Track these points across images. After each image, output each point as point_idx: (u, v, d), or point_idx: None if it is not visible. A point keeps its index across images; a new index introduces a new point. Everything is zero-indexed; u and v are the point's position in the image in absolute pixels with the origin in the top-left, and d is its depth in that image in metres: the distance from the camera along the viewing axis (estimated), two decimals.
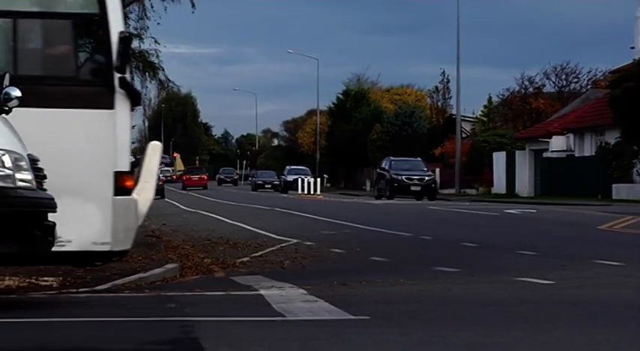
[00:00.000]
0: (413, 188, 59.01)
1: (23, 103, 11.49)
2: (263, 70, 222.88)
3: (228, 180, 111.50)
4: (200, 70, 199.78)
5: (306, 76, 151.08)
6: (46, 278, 12.81)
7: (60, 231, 11.60)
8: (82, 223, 12.09)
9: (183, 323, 9.45)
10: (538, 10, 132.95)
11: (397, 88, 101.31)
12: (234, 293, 12.53)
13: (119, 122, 12.32)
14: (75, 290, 12.73)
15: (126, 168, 12.45)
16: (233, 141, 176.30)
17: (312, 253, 18.87)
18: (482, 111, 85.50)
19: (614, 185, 53.48)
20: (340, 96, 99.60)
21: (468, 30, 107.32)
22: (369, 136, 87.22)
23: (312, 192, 68.90)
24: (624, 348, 8.41)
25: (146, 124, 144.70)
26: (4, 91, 10.73)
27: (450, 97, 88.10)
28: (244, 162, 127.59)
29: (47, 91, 12.20)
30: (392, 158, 64.22)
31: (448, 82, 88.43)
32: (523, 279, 14.07)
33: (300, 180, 74.04)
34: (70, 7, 12.47)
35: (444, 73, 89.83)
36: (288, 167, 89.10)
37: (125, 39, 12.20)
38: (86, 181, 12.19)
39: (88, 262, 12.87)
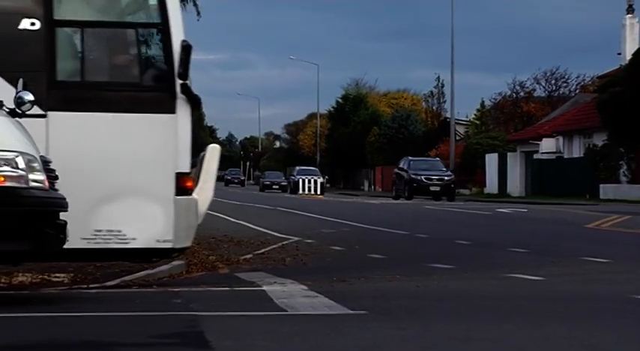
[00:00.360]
0: (432, 188, 55.95)
1: (90, 107, 11.95)
2: (266, 75, 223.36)
3: (236, 181, 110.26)
4: (205, 75, 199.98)
5: (306, 81, 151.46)
6: (57, 274, 12.83)
7: (124, 229, 12.09)
8: (145, 222, 12.21)
9: (188, 318, 9.47)
10: (529, 18, 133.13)
11: (394, 93, 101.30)
12: (237, 289, 12.53)
13: (180, 126, 12.40)
14: (85, 286, 12.74)
15: (187, 169, 12.55)
16: (237, 143, 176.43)
17: (312, 251, 18.88)
18: (475, 114, 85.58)
19: (601, 185, 53.54)
20: (339, 100, 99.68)
21: (461, 37, 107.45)
22: (367, 138, 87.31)
23: (316, 192, 69.03)
24: (614, 340, 8.42)
25: None
26: (17, 95, 10.76)
27: (445, 101, 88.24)
28: (247, 163, 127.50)
29: (113, 96, 12.28)
30: (410, 158, 61.16)
31: (443, 86, 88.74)
32: (515, 275, 14.09)
33: (301, 181, 73.42)
34: (135, 18, 12.62)
35: (438, 78, 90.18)
36: (297, 168, 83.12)
37: (186, 47, 12.23)
38: (149, 181, 12.27)
39: (150, 259, 13.06)
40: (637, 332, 8.91)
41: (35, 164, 10.35)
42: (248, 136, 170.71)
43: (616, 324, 9.45)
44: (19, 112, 10.73)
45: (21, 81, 11.11)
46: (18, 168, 10.20)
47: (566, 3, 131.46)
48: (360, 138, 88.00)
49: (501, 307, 10.85)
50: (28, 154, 10.32)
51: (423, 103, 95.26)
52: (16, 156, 10.22)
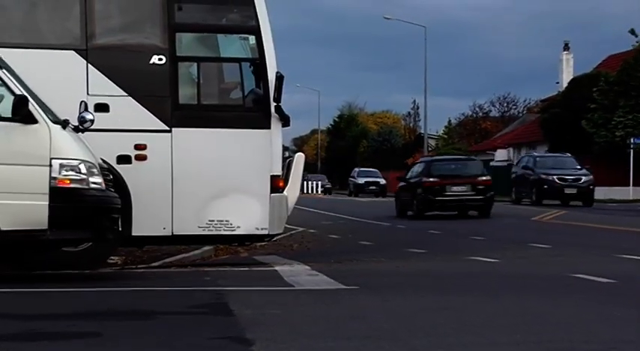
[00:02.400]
0: (567, 191, 36.03)
1: (204, 124, 12.16)
2: None
3: None
4: None
5: (310, 103, 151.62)
6: (112, 257, 12.81)
7: (231, 219, 12.22)
8: (247, 214, 12.30)
9: (216, 292, 9.45)
10: (486, 54, 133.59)
11: (379, 113, 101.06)
12: (255, 269, 12.52)
13: (274, 138, 12.52)
14: (134, 266, 12.73)
15: (279, 172, 12.63)
16: None
17: (314, 239, 18.89)
18: (443, 130, 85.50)
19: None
20: (336, 119, 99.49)
21: (433, 69, 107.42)
22: (358, 149, 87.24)
23: (318, 192, 68.71)
24: (551, 307, 8.41)
25: None
26: (80, 115, 10.74)
27: (419, 120, 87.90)
28: None
29: (222, 116, 12.40)
30: (536, 154, 42.10)
31: (418, 108, 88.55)
32: (475, 258, 14.07)
33: (313, 184, 68.52)
34: (239, 54, 12.69)
35: (414, 101, 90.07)
36: (357, 169, 67.16)
37: (279, 77, 12.35)
38: (250, 182, 12.34)
39: (249, 242, 13.37)
40: (567, 300, 8.89)
41: (94, 170, 10.34)
42: None
43: (553, 294, 9.44)
44: (81, 128, 10.72)
45: (83, 104, 11.11)
46: (80, 173, 10.20)
47: (516, 41, 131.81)
48: (352, 149, 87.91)
49: (464, 283, 10.84)
50: (88, 161, 10.31)
51: (402, 121, 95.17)
52: (79, 163, 10.21)
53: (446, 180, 28.48)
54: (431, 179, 28.57)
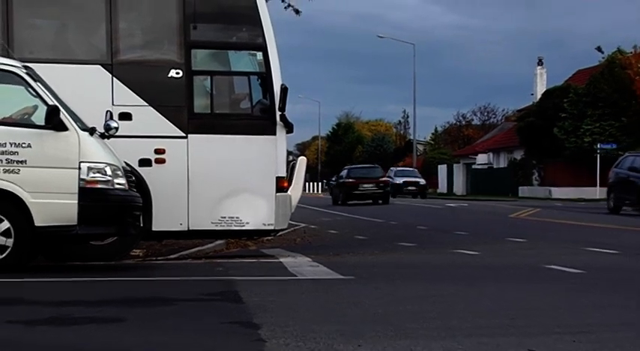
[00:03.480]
0: None
1: (216, 131, 12.19)
2: None
3: None
4: None
5: (311, 113, 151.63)
6: (135, 250, 12.81)
7: (241, 216, 12.23)
8: (256, 211, 12.30)
9: (227, 281, 9.45)
10: (469, 68, 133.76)
11: (373, 121, 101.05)
12: (262, 260, 12.52)
13: (279, 144, 12.50)
14: (154, 258, 12.73)
15: (283, 174, 12.62)
16: None
17: (315, 233, 18.88)
18: (430, 137, 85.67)
19: (520, 187, 53.47)
20: (334, 126, 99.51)
21: (421, 81, 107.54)
22: (354, 154, 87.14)
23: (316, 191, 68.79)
24: (527, 294, 8.41)
25: None
26: (106, 123, 10.75)
27: (409, 127, 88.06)
28: None
29: (233, 123, 12.38)
30: (636, 154, 27.72)
31: (407, 117, 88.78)
32: (458, 251, 14.07)
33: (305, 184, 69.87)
34: (247, 68, 12.66)
35: (404, 111, 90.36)
36: (394, 168, 57.43)
37: (284, 89, 12.35)
38: (258, 182, 12.33)
39: (257, 237, 13.38)
40: (541, 288, 8.89)
41: (118, 172, 10.34)
42: None
43: (529, 283, 9.44)
44: (107, 135, 10.72)
45: (108, 113, 11.13)
46: (106, 174, 10.20)
47: (495, 57, 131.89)
48: (349, 153, 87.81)
49: (449, 273, 10.84)
50: (113, 164, 10.32)
51: (394, 129, 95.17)
52: (105, 166, 10.21)
53: (359, 180, 39.54)
54: (349, 180, 39.85)
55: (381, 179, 40.01)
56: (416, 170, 57.12)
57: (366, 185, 39.28)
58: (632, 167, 26.45)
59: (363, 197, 38.81)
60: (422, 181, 54.24)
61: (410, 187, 53.49)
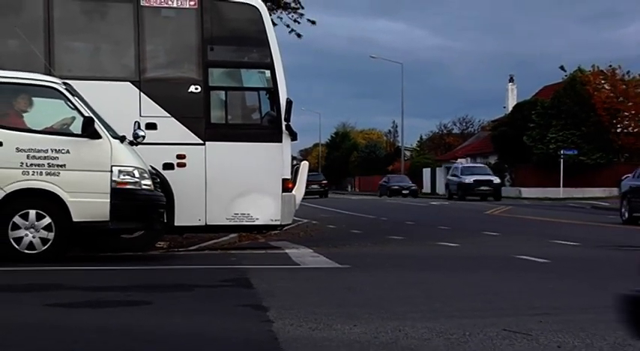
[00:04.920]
0: None
1: (230, 139, 12.10)
2: None
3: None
4: None
5: (312, 123, 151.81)
6: (159, 243, 12.78)
7: (251, 212, 12.18)
8: (264, 208, 12.24)
9: (240, 269, 9.44)
10: (449, 84, 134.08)
11: (367, 130, 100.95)
12: (270, 252, 12.50)
13: (285, 150, 12.44)
14: (176, 250, 12.70)
15: (288, 176, 12.56)
16: None
17: (316, 228, 18.84)
18: (416, 144, 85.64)
19: None
20: (333, 135, 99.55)
21: (408, 96, 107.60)
22: (350, 159, 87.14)
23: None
24: (500, 281, 8.40)
25: None
26: (134, 132, 10.75)
27: (398, 136, 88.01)
28: None
29: (245, 132, 12.33)
30: None
31: (396, 126, 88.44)
32: (441, 243, 14.06)
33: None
34: (257, 84, 12.58)
35: (394, 121, 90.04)
36: (459, 166, 44.75)
37: (289, 102, 12.31)
38: (267, 184, 12.27)
39: (265, 231, 13.25)
40: (513, 275, 8.88)
41: (145, 175, 10.32)
42: None
43: (503, 271, 9.43)
44: (135, 142, 10.71)
45: (136, 123, 11.12)
46: (134, 177, 10.18)
47: (472, 75, 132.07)
48: (345, 159, 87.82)
49: (434, 263, 10.82)
50: (140, 168, 10.30)
51: (384, 137, 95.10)
52: (133, 169, 10.20)
53: (308, 182, 45.87)
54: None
55: (322, 182, 53.08)
56: (486, 167, 43.81)
57: (313, 185, 47.21)
58: None
59: (312, 193, 46.14)
60: (496, 180, 40.09)
61: (483, 188, 38.88)
